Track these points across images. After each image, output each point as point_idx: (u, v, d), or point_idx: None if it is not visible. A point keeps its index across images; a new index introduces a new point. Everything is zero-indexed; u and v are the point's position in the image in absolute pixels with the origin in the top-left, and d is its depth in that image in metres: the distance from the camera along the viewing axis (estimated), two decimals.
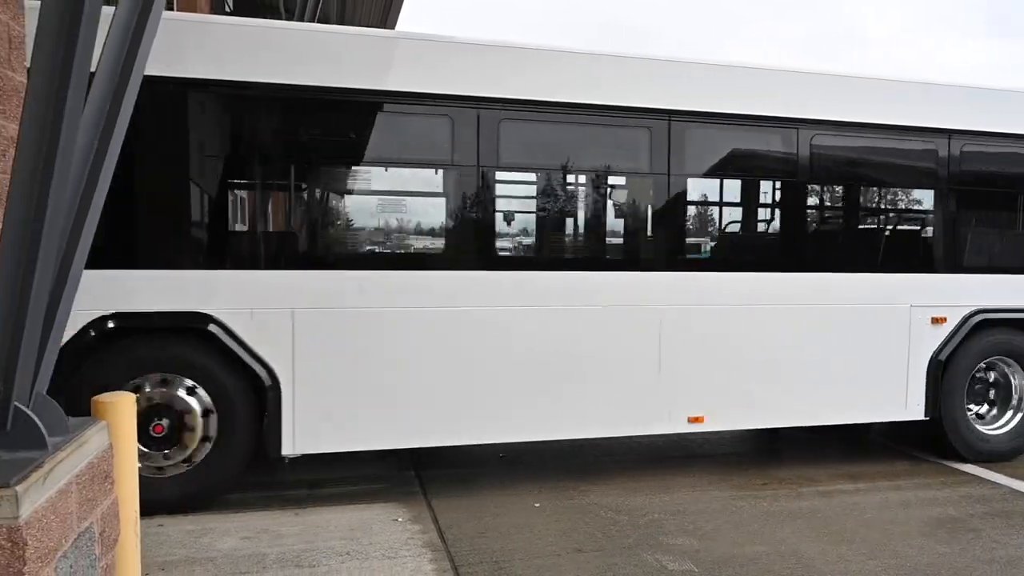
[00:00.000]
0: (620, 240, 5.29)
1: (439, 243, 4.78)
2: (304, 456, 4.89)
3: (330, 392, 4.38)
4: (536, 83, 4.70)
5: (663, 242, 5.16)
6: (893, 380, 5.43)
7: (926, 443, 5.87)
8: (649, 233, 5.21)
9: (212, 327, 4.17)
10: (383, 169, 4.79)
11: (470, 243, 4.71)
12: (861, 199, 5.80)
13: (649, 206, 5.16)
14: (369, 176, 4.87)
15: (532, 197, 5.02)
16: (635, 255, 5.27)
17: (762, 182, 5.60)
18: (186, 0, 8.05)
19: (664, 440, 6.08)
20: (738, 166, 5.36)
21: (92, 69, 2.37)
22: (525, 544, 3.97)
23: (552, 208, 5.03)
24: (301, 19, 9.28)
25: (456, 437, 4.65)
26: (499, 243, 4.84)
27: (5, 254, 2.18)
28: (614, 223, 5.27)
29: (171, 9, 7.18)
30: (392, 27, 11.83)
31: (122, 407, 3.09)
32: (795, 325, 5.20)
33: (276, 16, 12.12)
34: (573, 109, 4.76)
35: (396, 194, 4.85)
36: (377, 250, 4.87)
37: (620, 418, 4.92)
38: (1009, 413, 5.82)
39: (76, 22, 2.08)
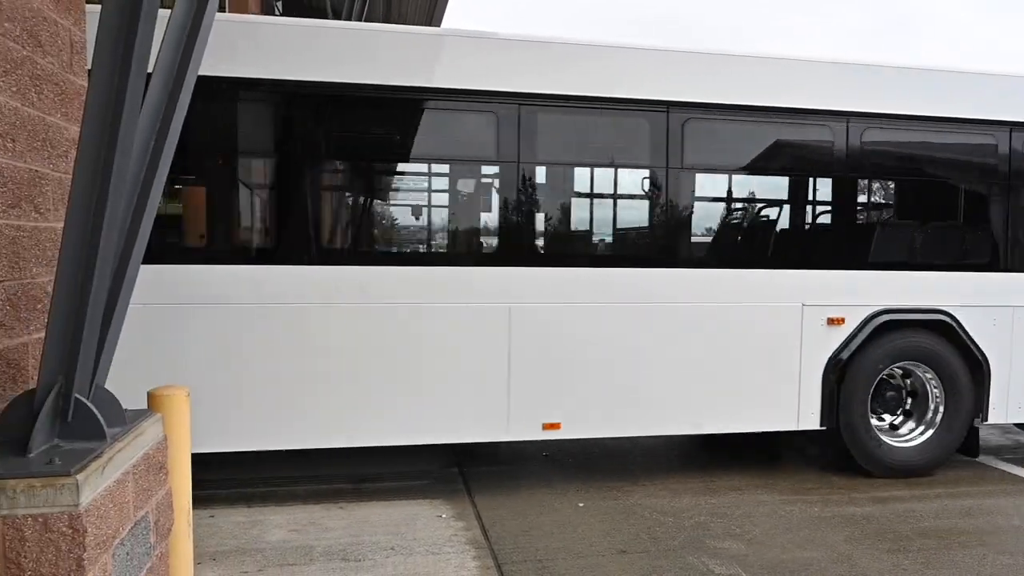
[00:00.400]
0: (464, 233, 4.87)
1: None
2: (346, 450, 4.97)
3: None
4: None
5: (515, 235, 4.67)
6: (784, 387, 4.97)
7: (835, 456, 5.36)
8: (498, 225, 4.71)
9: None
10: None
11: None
12: (747, 188, 5.26)
13: (500, 197, 4.69)
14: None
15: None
16: (482, 249, 4.78)
17: (630, 171, 4.96)
18: (237, 1, 8.23)
19: (709, 441, 5.97)
20: (603, 153, 4.83)
21: (148, 70, 2.44)
22: (569, 544, 3.95)
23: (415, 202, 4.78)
24: (348, 19, 9.40)
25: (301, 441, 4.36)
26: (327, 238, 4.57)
27: (66, 253, 2.26)
28: (471, 215, 4.90)
29: (223, 11, 7.35)
30: (438, 25, 11.91)
31: (176, 400, 3.17)
32: (670, 325, 4.76)
33: (324, 17, 12.31)
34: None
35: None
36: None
37: (466, 423, 4.53)
38: (923, 424, 5.31)
39: (134, 25, 2.14)
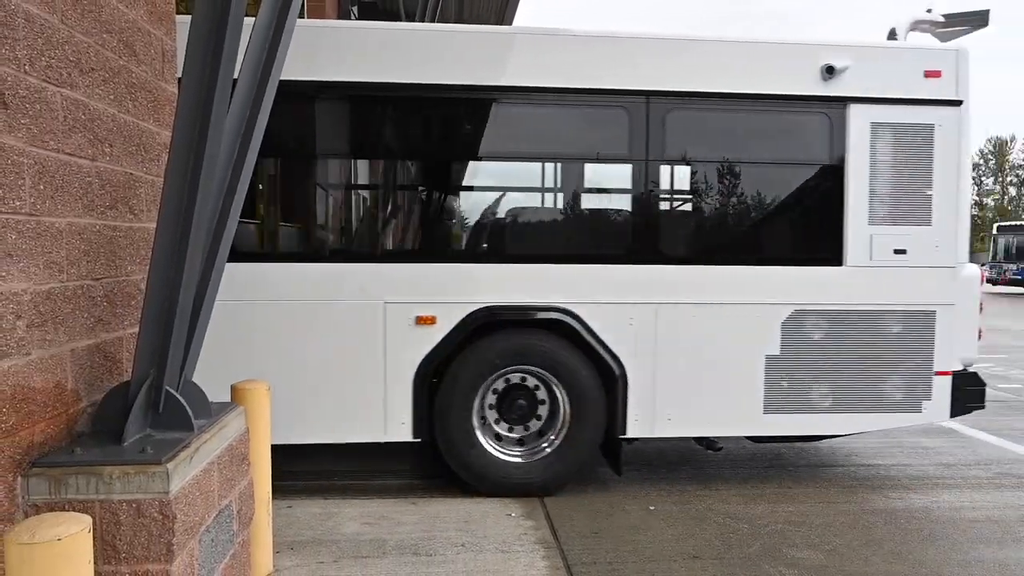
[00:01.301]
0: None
1: None
2: (418, 447, 5.04)
3: None
4: None
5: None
6: (370, 395, 4.40)
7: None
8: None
9: None
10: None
11: None
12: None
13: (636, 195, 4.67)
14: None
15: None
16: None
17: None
18: (315, 9, 8.49)
19: (788, 448, 5.77)
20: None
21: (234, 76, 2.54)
22: (639, 547, 3.89)
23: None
24: (422, 20, 9.54)
25: None
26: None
27: (158, 253, 2.38)
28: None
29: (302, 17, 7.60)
30: (510, 23, 11.96)
31: (258, 394, 3.30)
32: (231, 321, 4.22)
33: (398, 19, 12.54)
34: None
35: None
36: None
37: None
38: (551, 437, 4.63)
39: (222, 34, 2.23)
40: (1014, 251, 27.06)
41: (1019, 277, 26.40)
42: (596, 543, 3.93)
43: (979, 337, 4.97)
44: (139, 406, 2.39)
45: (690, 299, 4.62)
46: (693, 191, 4.75)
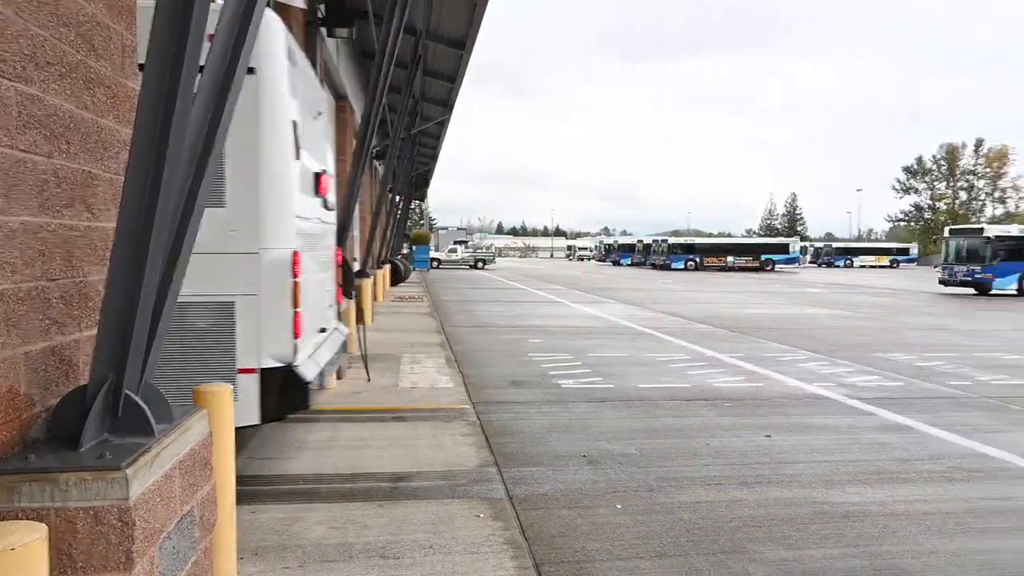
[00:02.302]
0: None
1: None
2: (387, 447, 5.00)
3: None
4: None
5: None
6: None
7: None
8: None
9: None
10: None
11: None
12: None
13: None
14: None
15: None
16: None
17: None
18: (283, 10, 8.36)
19: (752, 446, 5.87)
20: None
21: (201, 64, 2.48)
22: (607, 546, 3.91)
23: None
24: (390, 21, 9.45)
25: None
26: None
27: (117, 253, 2.31)
28: None
29: None
30: (478, 24, 11.93)
31: (221, 397, 3.23)
32: None
33: (365, 19, 12.42)
34: None
35: None
36: None
37: None
38: None
39: (188, 17, 2.18)
40: (964, 254, 27.95)
41: (968, 279, 27.28)
42: (565, 542, 3.94)
43: (296, 331, 4.43)
44: (97, 410, 2.32)
45: None
46: None
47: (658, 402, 7.45)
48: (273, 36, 4.39)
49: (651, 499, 4.62)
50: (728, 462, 5.41)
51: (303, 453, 5.43)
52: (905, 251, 71.91)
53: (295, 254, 4.44)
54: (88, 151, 2.73)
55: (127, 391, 2.39)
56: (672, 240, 60.19)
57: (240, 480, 3.54)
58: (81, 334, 2.68)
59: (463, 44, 15.13)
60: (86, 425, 2.28)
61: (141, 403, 2.41)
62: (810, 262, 71.43)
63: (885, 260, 70.04)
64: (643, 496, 4.67)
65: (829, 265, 68.87)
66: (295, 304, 4.40)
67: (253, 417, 4.33)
